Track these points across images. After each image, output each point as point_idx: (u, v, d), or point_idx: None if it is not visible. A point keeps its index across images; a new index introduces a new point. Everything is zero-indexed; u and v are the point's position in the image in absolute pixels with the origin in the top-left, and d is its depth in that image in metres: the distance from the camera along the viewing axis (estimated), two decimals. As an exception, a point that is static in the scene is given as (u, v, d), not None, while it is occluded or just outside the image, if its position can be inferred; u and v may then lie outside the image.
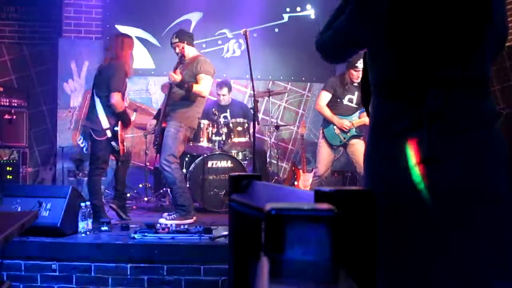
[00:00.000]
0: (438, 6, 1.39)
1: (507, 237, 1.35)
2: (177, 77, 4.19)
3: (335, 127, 4.88)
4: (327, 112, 4.87)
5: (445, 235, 1.36)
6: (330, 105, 4.89)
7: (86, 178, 4.84)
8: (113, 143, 4.28)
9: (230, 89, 5.87)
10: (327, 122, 4.95)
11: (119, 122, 4.28)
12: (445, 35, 1.38)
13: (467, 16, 1.38)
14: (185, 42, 4.42)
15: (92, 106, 4.27)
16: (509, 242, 1.35)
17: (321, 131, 5.01)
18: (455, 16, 1.38)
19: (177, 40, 4.41)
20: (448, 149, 1.35)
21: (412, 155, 1.37)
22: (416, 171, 1.37)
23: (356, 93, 4.85)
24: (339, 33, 1.60)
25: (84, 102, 6.18)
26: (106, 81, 4.19)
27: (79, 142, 4.26)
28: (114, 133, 4.28)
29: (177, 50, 4.43)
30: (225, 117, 5.66)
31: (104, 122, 4.20)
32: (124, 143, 4.37)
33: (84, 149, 4.23)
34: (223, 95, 5.78)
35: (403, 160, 1.39)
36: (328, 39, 1.65)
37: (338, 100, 4.88)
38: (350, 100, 4.88)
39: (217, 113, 5.27)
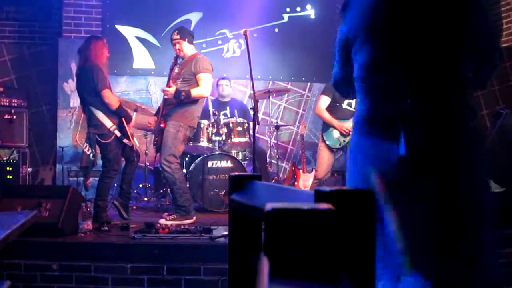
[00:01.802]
0: (416, 11, 1.40)
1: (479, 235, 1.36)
2: (171, 90, 4.22)
3: (334, 130, 4.89)
4: (327, 116, 4.89)
5: (419, 232, 1.37)
6: (329, 109, 4.91)
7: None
8: (125, 140, 4.29)
9: (229, 82, 5.94)
10: (326, 126, 4.96)
11: (123, 120, 4.30)
12: (421, 37, 1.39)
13: (442, 19, 1.39)
14: (186, 39, 4.42)
15: (90, 114, 4.27)
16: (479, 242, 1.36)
17: (321, 135, 5.04)
18: (430, 18, 1.39)
19: (178, 36, 4.41)
20: (423, 147, 1.37)
21: (388, 153, 1.39)
22: (392, 168, 1.39)
23: None
24: (336, 60, 1.67)
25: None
26: (90, 85, 4.19)
27: (85, 150, 4.25)
28: (122, 131, 4.29)
29: (177, 46, 4.43)
30: (225, 114, 5.67)
31: (108, 123, 4.21)
32: (134, 139, 4.40)
33: (91, 155, 4.23)
34: (226, 85, 5.85)
35: (380, 157, 1.41)
36: (334, 74, 1.72)
37: (337, 104, 4.89)
38: (349, 105, 4.88)
39: (216, 113, 5.28)
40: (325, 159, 5.00)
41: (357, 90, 1.55)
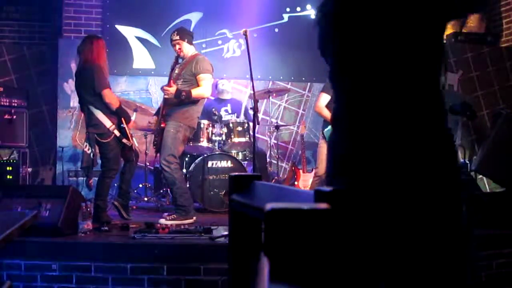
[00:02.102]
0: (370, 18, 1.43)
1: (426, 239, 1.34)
2: (172, 89, 4.21)
3: None
4: (326, 113, 4.91)
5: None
6: (329, 106, 4.93)
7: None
8: (124, 140, 4.28)
9: (229, 83, 5.98)
10: (326, 123, 4.98)
11: (123, 120, 4.29)
12: (375, 38, 1.41)
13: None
14: (186, 40, 4.42)
15: (89, 113, 4.25)
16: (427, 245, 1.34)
17: (321, 132, 5.06)
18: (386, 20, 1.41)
19: (177, 37, 4.41)
20: (368, 146, 1.39)
21: (342, 151, 1.46)
22: (345, 162, 1.44)
23: None
24: None
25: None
26: (90, 85, 4.17)
27: (86, 149, 4.24)
28: (122, 131, 4.28)
29: (177, 47, 4.43)
30: (226, 110, 5.67)
31: (107, 123, 4.20)
32: (133, 139, 4.40)
33: (91, 155, 4.22)
34: (223, 84, 5.88)
35: (338, 155, 1.48)
36: None
37: None
38: None
39: (217, 113, 5.28)
40: (325, 155, 5.01)
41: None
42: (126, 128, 4.32)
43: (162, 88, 4.42)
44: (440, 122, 1.40)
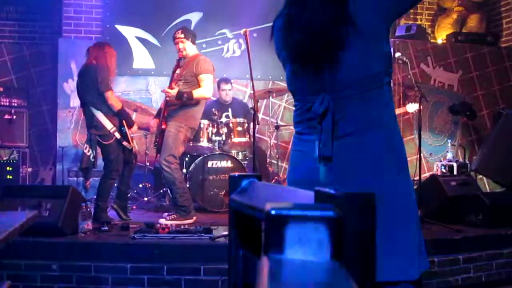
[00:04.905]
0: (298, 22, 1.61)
1: (389, 232, 1.40)
2: (173, 91, 4.20)
3: None
4: None
5: None
6: None
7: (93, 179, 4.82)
8: (124, 143, 4.28)
9: (232, 86, 5.92)
10: None
11: (124, 122, 4.29)
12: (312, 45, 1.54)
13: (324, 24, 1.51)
14: (189, 39, 4.43)
15: (90, 115, 4.25)
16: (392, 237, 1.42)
17: None
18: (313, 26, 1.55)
19: (182, 35, 4.41)
20: (335, 150, 1.47)
21: (310, 152, 1.52)
22: (314, 168, 1.50)
23: None
24: None
25: (84, 102, 6.18)
26: (92, 85, 4.17)
27: (85, 151, 4.23)
28: (123, 133, 4.28)
29: (180, 46, 4.41)
30: (227, 116, 5.66)
31: (108, 125, 4.20)
32: (133, 142, 4.41)
33: (91, 157, 4.20)
34: (229, 90, 5.83)
35: (305, 157, 1.54)
36: None
37: None
38: None
39: (217, 114, 5.27)
40: None
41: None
42: (127, 131, 4.31)
43: (163, 91, 4.42)
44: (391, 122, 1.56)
